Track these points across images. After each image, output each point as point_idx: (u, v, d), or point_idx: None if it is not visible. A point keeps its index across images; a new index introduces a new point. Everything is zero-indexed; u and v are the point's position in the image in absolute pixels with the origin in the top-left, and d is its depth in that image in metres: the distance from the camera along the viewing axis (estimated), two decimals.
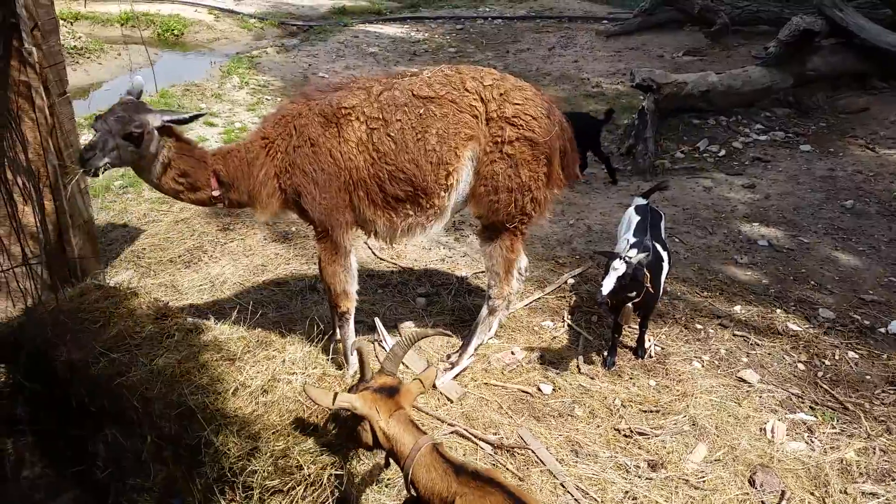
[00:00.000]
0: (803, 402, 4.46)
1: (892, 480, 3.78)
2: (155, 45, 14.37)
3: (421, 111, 4.03)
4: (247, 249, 6.20)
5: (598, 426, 4.23)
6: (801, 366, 4.79)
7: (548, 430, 4.18)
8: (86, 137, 8.45)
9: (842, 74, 10.17)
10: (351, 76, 4.10)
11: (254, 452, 3.40)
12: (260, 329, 4.72)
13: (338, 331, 4.57)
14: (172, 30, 15.00)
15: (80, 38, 12.69)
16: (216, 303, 5.33)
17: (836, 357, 4.83)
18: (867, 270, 5.96)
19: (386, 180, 4.09)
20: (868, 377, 4.63)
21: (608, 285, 4.11)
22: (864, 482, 3.79)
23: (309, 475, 3.41)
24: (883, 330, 5.11)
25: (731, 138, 8.87)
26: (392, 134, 4.02)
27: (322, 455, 3.51)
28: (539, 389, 4.51)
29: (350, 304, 4.44)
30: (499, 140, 4.10)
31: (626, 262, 4.14)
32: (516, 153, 4.13)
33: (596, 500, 3.70)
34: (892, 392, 4.48)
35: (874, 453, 3.97)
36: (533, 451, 4.00)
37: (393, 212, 4.21)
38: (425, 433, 2.98)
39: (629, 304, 4.58)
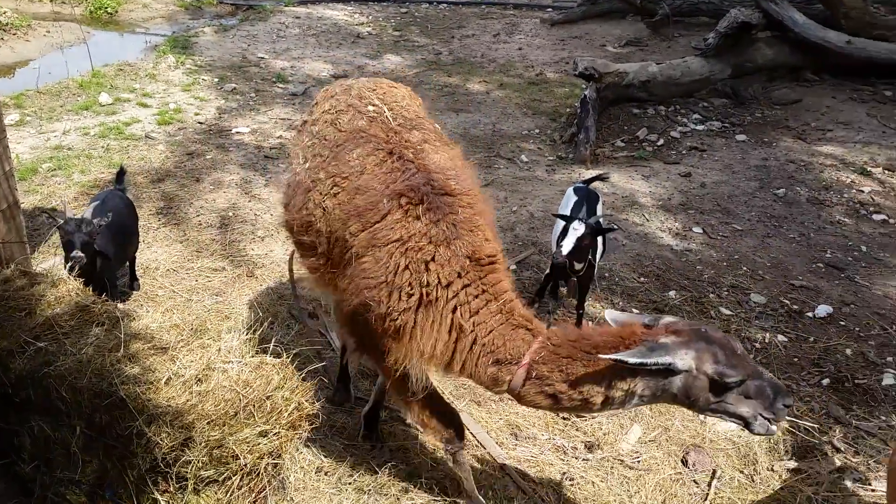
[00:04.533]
0: None
1: (814, 458, 3.93)
2: (87, 23, 13.84)
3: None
4: (181, 235, 6.04)
5: (537, 410, 4.28)
6: None
7: (488, 415, 4.21)
8: (12, 118, 8.10)
9: (777, 67, 10.48)
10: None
11: (188, 442, 3.31)
12: (194, 317, 4.62)
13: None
14: (105, 7, 14.47)
15: (5, 13, 12.12)
16: (148, 290, 5.18)
17: (766, 340, 4.99)
18: (797, 257, 6.18)
19: None
20: (796, 359, 4.81)
21: (568, 245, 4.25)
22: (789, 459, 3.94)
23: (245, 465, 3.34)
24: (811, 314, 5.30)
25: (670, 128, 9.05)
26: None
27: (259, 444, 3.45)
28: None
29: None
30: None
31: (584, 223, 4.29)
32: None
33: (535, 481, 3.74)
34: (817, 374, 4.65)
35: (799, 432, 4.12)
36: (473, 435, 4.03)
37: None
38: None
39: (574, 279, 4.79)
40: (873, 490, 3.72)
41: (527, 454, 3.93)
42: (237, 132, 8.68)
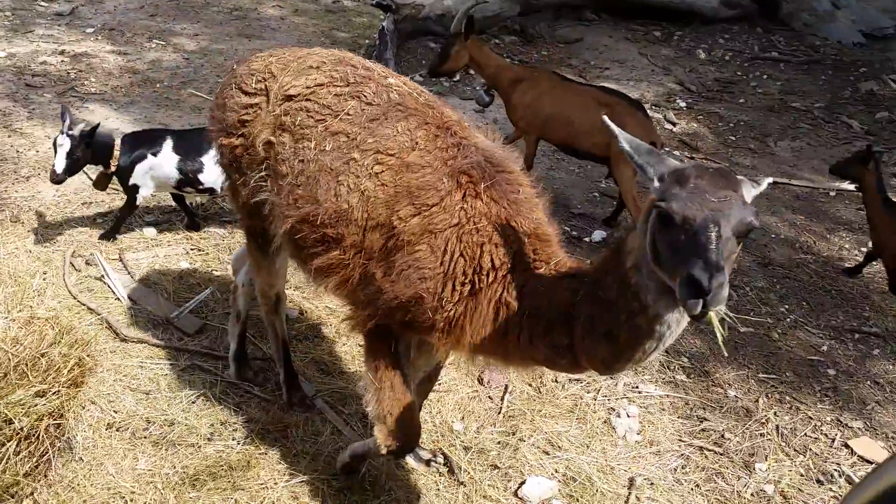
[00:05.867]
0: None
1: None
2: None
3: None
4: None
5: (345, 344, 4.33)
6: None
7: (294, 354, 4.19)
8: None
9: (562, 6, 11.03)
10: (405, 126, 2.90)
11: None
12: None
13: None
14: None
15: None
16: None
17: None
18: (575, 188, 6.69)
19: None
20: None
21: None
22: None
23: (22, 428, 3.07)
24: (587, 239, 5.82)
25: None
26: None
27: (36, 405, 3.18)
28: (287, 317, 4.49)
29: None
30: None
31: None
32: None
33: (343, 411, 3.82)
34: None
35: None
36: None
37: None
38: None
39: None
40: (640, 392, 4.23)
41: (336, 386, 3.99)
42: None
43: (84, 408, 3.45)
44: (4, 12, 9.00)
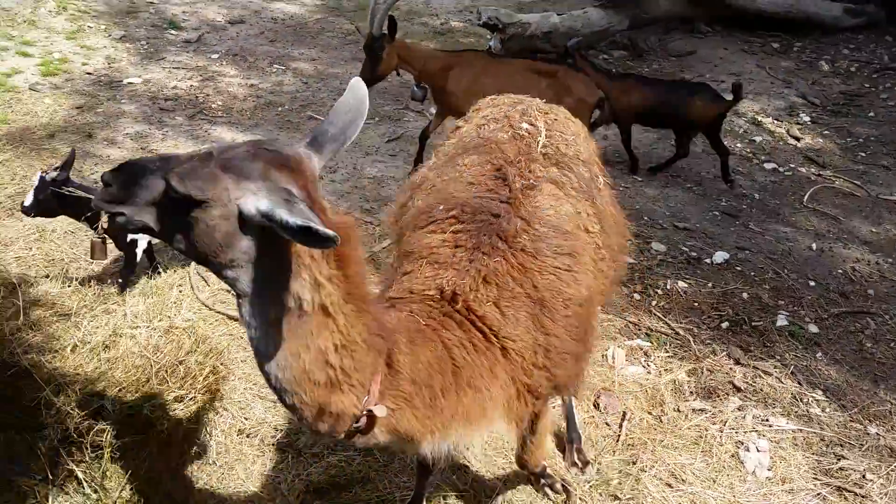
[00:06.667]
0: (639, 330, 4.82)
1: (717, 397, 4.21)
2: None
3: (599, 181, 3.18)
4: None
5: None
6: (636, 296, 5.16)
7: None
8: None
9: (672, 18, 10.78)
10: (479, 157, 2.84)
11: (101, 411, 3.20)
12: (96, 282, 4.39)
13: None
14: None
15: None
16: (47, 254, 4.87)
17: (668, 287, 5.24)
18: (694, 206, 6.48)
19: (605, 289, 3.00)
20: (696, 304, 5.08)
21: None
22: (693, 400, 4.19)
23: (162, 431, 3.27)
24: (708, 261, 5.59)
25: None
26: (605, 227, 2.95)
27: (175, 410, 3.38)
28: None
29: None
30: None
31: None
32: None
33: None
34: (716, 317, 4.94)
35: (702, 373, 4.39)
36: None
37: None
38: None
39: None
40: (770, 425, 4.02)
41: None
42: (129, 83, 8.17)
43: (218, 413, 3.61)
44: (140, 41, 9.67)
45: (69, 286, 3.89)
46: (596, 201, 2.90)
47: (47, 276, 4.03)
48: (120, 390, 3.34)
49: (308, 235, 1.62)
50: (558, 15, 9.95)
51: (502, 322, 2.36)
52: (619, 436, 3.90)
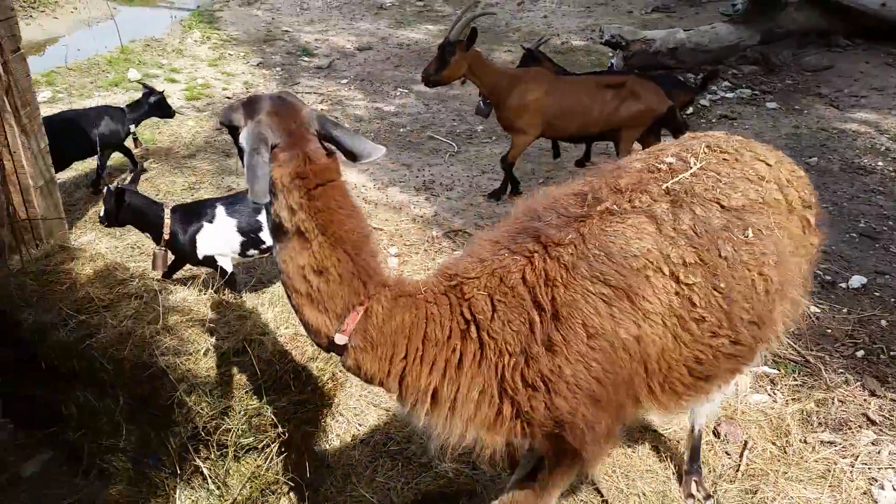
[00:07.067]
0: (766, 357, 4.57)
1: (849, 429, 3.92)
2: None
3: (746, 233, 2.54)
4: None
5: None
6: None
7: None
8: (44, 95, 8.20)
9: (808, 32, 10.25)
10: (584, 180, 2.70)
11: (227, 411, 3.41)
12: (228, 290, 4.69)
13: None
14: None
15: None
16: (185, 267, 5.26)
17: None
18: (830, 227, 6.07)
19: (703, 358, 2.53)
20: (829, 331, 4.77)
21: None
22: (822, 431, 3.93)
23: (283, 433, 3.44)
24: (844, 285, 5.24)
25: (699, 96, 8.90)
26: (722, 286, 2.47)
27: (296, 413, 3.54)
28: None
29: None
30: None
31: None
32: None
33: None
34: (850, 345, 4.62)
35: (833, 404, 4.10)
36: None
37: (679, 396, 2.61)
38: None
39: None
40: None
41: None
42: None
43: (335, 419, 3.75)
44: (275, 67, 10.29)
45: (205, 294, 4.17)
46: (714, 253, 2.45)
47: (185, 285, 4.34)
48: (246, 392, 3.54)
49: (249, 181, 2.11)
50: (685, 31, 9.72)
51: (487, 314, 2.32)
52: (739, 465, 3.71)
